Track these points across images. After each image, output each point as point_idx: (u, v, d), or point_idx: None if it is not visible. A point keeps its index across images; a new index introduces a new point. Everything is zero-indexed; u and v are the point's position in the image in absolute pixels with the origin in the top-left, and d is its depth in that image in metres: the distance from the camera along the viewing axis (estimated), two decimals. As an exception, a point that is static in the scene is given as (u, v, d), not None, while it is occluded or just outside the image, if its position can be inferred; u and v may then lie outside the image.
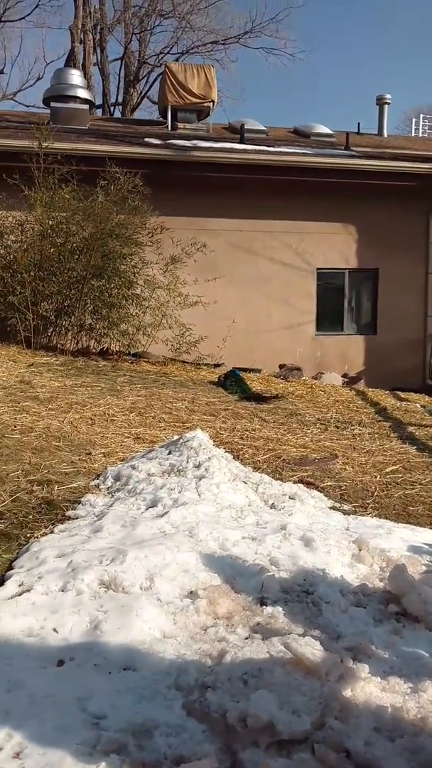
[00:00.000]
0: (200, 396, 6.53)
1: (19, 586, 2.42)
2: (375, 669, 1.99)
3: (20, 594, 2.35)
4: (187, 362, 8.91)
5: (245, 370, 8.67)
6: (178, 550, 2.65)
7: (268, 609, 2.36)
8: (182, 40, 24.97)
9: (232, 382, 7.45)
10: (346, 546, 2.90)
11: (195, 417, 5.62)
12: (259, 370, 9.24)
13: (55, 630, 2.15)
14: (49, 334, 8.48)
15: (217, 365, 9.00)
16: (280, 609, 2.37)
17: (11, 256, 8.07)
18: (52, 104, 12.47)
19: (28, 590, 2.37)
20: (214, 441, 4.76)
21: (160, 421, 5.37)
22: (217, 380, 7.69)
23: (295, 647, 1.94)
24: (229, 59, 25.83)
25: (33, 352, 7.84)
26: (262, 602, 2.43)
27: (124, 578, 2.42)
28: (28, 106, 25.40)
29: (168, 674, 1.96)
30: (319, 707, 1.78)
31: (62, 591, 2.37)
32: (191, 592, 2.42)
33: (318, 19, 41.74)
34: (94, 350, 8.65)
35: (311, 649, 1.97)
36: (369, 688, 1.89)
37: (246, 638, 2.18)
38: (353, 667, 1.96)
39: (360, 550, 2.87)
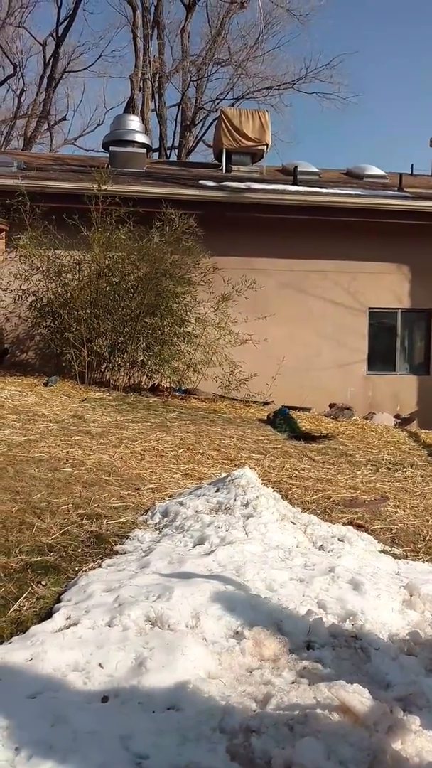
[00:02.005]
0: (249, 434, 6.52)
1: (67, 619, 2.43)
2: (427, 722, 1.91)
3: (67, 627, 2.36)
4: (237, 399, 8.93)
5: (295, 408, 8.63)
6: (225, 589, 2.63)
7: (315, 653, 2.32)
8: (238, 86, 25.69)
9: (282, 420, 7.41)
10: (397, 591, 2.83)
11: (243, 455, 5.61)
12: (308, 409, 9.19)
13: (100, 665, 2.15)
14: (102, 369, 8.64)
15: (266, 403, 8.99)
16: (328, 654, 2.32)
17: (68, 294, 8.31)
18: (111, 148, 12.90)
19: (75, 624, 2.38)
20: (263, 480, 4.74)
21: (208, 458, 5.38)
22: (266, 418, 7.67)
23: (342, 695, 1.89)
24: (283, 104, 26.35)
25: (86, 388, 7.99)
26: (309, 646, 2.38)
27: (170, 615, 2.41)
28: (87, 151, 26.51)
29: (212, 716, 1.93)
30: (367, 759, 1.73)
31: (108, 626, 2.38)
32: (237, 632, 2.39)
33: (371, 63, 42.33)
34: (145, 386, 8.77)
35: (359, 697, 1.92)
36: (420, 742, 1.82)
37: (292, 682, 2.13)
38: (403, 719, 1.89)
39: (411, 596, 2.79)
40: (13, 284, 8.47)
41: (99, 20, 42.86)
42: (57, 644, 2.23)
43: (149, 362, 8.58)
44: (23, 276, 8.36)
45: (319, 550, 3.37)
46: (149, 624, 2.39)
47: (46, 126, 27.23)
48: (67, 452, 4.91)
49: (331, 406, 9.63)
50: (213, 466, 5.14)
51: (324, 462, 5.70)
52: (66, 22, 25.28)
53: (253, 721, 1.88)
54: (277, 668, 2.22)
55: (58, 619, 2.44)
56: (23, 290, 8.43)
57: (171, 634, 2.33)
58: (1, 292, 8.68)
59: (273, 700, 1.96)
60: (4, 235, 8.87)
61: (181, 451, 5.48)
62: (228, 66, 25.61)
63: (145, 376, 8.83)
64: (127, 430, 5.92)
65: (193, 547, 3.21)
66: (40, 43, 26.69)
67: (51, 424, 5.74)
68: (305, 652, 2.33)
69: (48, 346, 8.86)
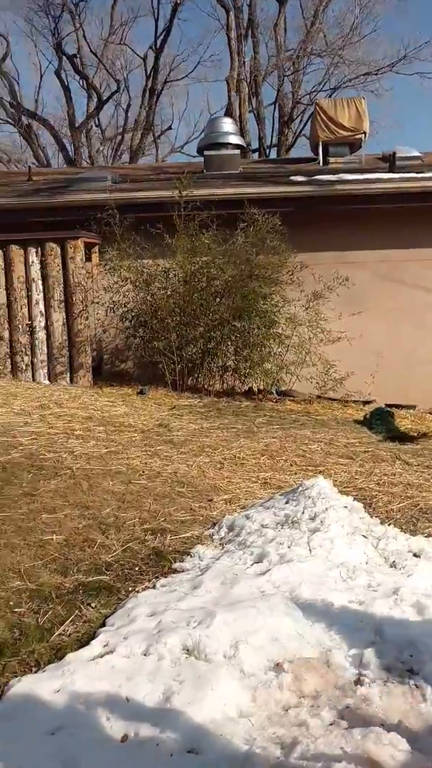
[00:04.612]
0: (340, 437, 6.24)
1: (104, 646, 2.37)
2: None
3: (102, 656, 2.30)
4: (334, 399, 8.62)
5: (397, 406, 8.20)
6: (271, 614, 2.46)
7: (363, 690, 2.11)
8: (334, 75, 25.09)
9: (378, 420, 7.05)
10: (469, 617, 2.54)
11: (330, 460, 5.37)
12: (413, 407, 8.70)
13: (126, 699, 2.06)
14: (196, 376, 8.63)
15: (366, 402, 8.60)
16: (377, 691, 2.10)
17: (157, 303, 8.37)
18: (206, 152, 12.93)
19: (111, 652, 2.31)
20: (347, 487, 4.52)
21: (291, 465, 5.18)
22: (362, 419, 7.34)
23: (369, 747, 1.69)
24: (383, 88, 25.45)
25: (179, 395, 8.00)
26: (358, 681, 2.17)
27: (207, 644, 2.29)
28: (193, 157, 26.80)
29: (234, 761, 1.80)
30: None
31: (144, 655, 2.29)
32: (277, 664, 2.23)
33: None
34: (238, 390, 8.66)
35: (393, 749, 1.71)
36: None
37: (330, 724, 1.95)
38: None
39: None
40: (105, 297, 8.65)
41: (194, 27, 43.44)
42: (87, 674, 2.17)
43: (240, 366, 8.46)
44: (114, 288, 8.51)
45: (390, 567, 3.11)
46: (185, 653, 2.28)
47: (151, 137, 27.88)
48: (145, 463, 4.89)
49: (438, 402, 9.08)
50: (295, 474, 4.94)
51: (419, 465, 5.33)
52: (164, 34, 25.77)
53: (273, 771, 1.72)
54: (316, 706, 2.05)
55: (96, 646, 2.38)
56: (114, 302, 8.58)
57: (205, 665, 2.21)
58: (97, 305, 8.90)
59: (298, 748, 1.79)
60: (97, 249, 9.09)
61: (263, 458, 5.32)
62: (324, 57, 25.07)
63: (238, 381, 8.72)
64: (210, 438, 5.83)
65: (252, 565, 3.06)
66: (140, 57, 27.37)
67: (135, 435, 5.77)
68: (352, 688, 2.13)
69: (143, 355, 8.97)
